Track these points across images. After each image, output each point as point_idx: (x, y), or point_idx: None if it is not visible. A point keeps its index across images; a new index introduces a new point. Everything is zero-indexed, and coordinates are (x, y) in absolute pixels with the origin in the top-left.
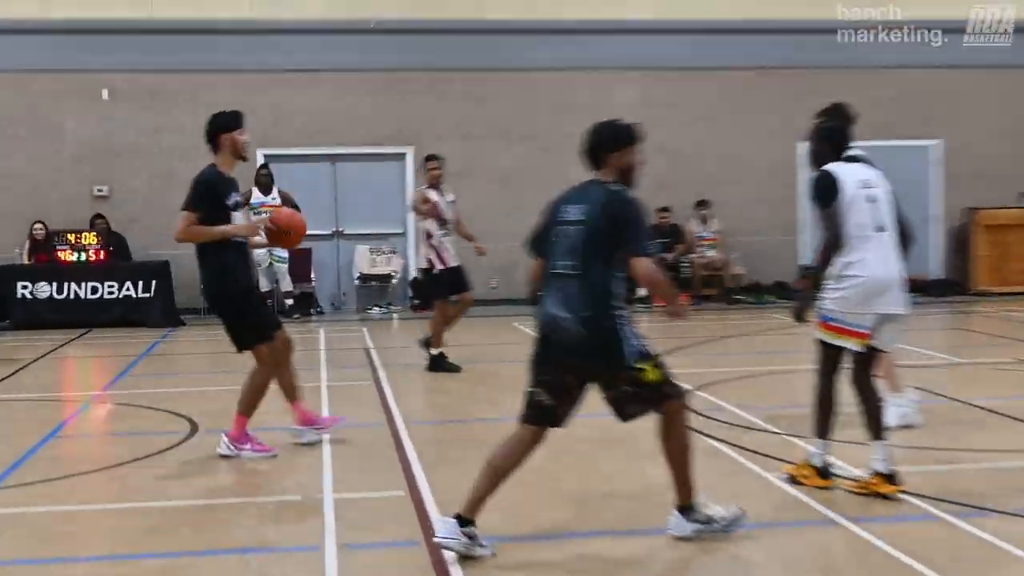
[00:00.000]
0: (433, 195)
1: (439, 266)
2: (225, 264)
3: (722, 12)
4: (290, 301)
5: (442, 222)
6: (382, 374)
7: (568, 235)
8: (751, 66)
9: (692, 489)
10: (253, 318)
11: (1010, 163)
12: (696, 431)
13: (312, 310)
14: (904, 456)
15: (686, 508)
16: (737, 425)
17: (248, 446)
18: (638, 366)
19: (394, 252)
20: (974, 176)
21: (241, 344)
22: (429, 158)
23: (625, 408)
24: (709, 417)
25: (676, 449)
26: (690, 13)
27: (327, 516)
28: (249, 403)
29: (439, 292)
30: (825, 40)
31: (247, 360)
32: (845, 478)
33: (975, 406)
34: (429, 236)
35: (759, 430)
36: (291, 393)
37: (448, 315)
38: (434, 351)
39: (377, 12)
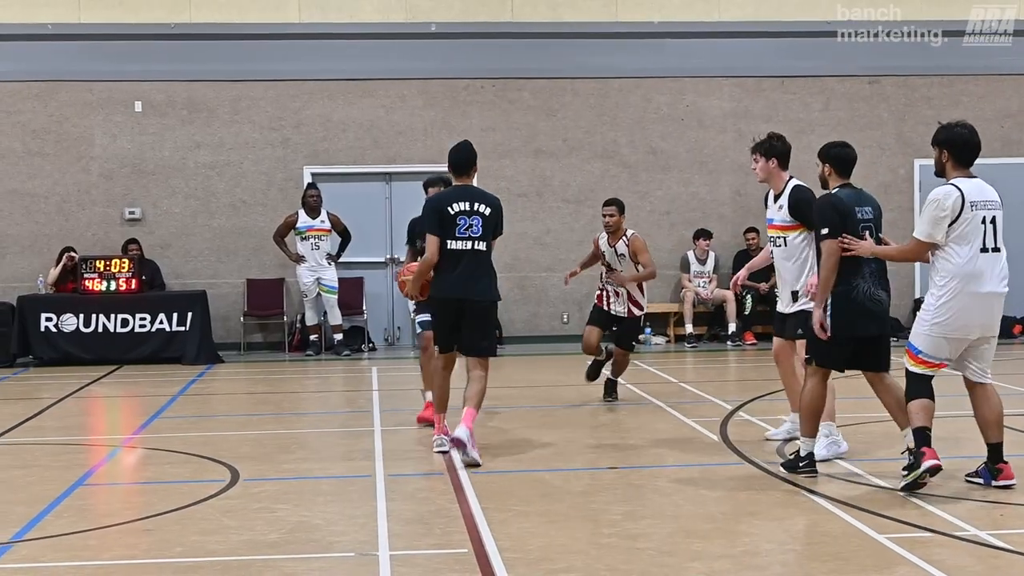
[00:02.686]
0: (602, 241)
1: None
2: None
3: (827, 12)
4: (339, 336)
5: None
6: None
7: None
8: (862, 74)
9: None
10: None
11: None
12: (799, 486)
13: (363, 345)
14: None
15: None
16: (842, 479)
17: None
18: None
19: None
20: None
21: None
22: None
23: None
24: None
25: None
26: (791, 14)
27: (383, 575)
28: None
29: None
30: (946, 44)
31: (290, 401)
32: None
33: None
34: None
35: (869, 485)
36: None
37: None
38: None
39: (437, 15)
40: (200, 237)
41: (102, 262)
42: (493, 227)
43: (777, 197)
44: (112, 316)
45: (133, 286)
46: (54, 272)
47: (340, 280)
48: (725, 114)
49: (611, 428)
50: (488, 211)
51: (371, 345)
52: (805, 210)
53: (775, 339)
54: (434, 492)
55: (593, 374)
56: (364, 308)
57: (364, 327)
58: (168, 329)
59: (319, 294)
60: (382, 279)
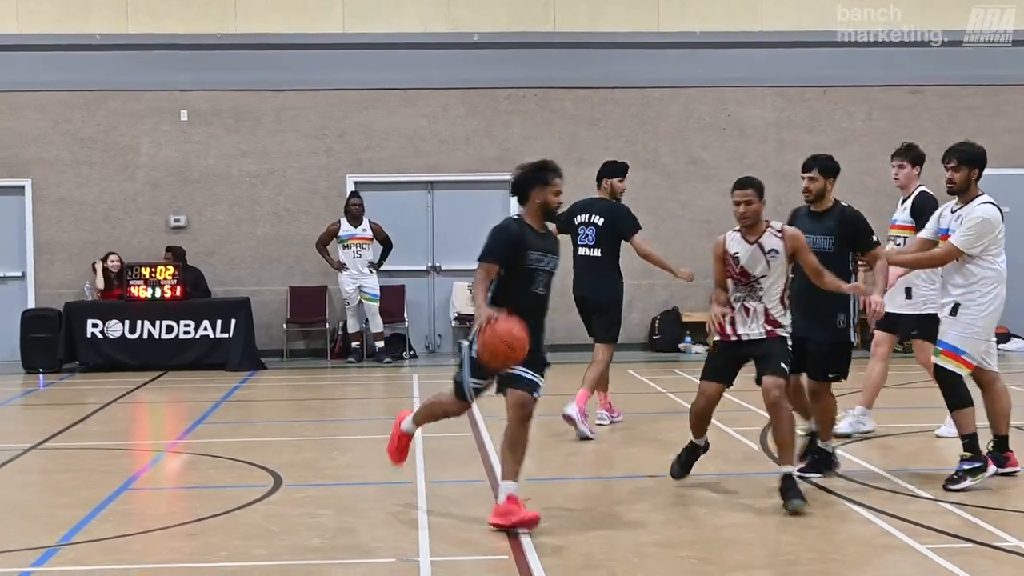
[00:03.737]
0: (732, 240)
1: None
2: None
3: (870, 23)
4: (380, 343)
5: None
6: (483, 427)
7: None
8: (904, 83)
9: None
10: None
11: None
12: (839, 495)
13: (404, 353)
14: None
15: None
16: (883, 489)
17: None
18: None
19: None
20: None
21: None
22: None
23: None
24: (855, 480)
25: None
26: (832, 24)
27: None
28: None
29: None
30: (990, 53)
31: (332, 408)
32: None
33: None
34: None
35: (909, 495)
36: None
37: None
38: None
39: (479, 25)
40: (244, 245)
41: (147, 269)
42: (606, 235)
43: (904, 200)
44: (157, 323)
45: (178, 293)
46: (98, 278)
47: (382, 288)
48: (767, 124)
49: (651, 436)
50: (601, 221)
51: (412, 353)
52: (919, 216)
53: (881, 333)
54: (475, 498)
55: (687, 466)
56: (405, 316)
57: (405, 335)
58: (212, 336)
59: (361, 302)
60: (424, 287)
